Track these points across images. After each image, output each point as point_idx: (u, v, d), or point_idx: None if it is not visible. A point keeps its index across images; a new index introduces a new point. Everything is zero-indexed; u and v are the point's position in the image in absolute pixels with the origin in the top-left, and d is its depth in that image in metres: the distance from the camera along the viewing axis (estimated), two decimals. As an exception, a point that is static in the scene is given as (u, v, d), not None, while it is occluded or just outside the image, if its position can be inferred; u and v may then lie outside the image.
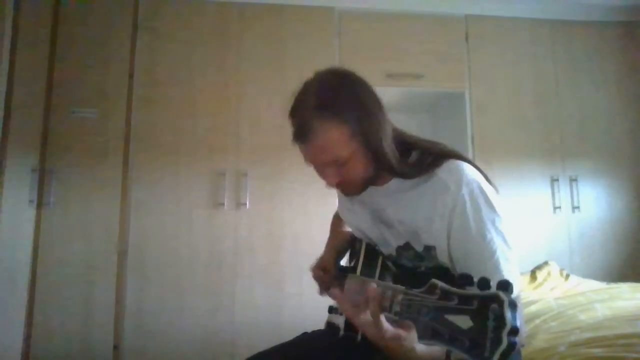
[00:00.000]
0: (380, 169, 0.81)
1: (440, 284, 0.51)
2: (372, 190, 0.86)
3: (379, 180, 0.84)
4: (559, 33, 2.34)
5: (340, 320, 0.85)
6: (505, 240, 0.73)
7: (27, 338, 1.76)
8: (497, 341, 0.42)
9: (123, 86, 1.98)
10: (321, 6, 2.15)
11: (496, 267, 0.71)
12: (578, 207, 2.22)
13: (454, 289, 0.49)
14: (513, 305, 0.43)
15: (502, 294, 0.44)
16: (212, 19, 2.09)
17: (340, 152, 0.75)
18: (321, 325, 0.97)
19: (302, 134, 0.76)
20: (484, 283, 0.46)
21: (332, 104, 0.74)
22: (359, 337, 0.77)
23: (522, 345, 0.77)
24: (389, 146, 0.78)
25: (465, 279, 0.49)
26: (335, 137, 0.74)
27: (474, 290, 0.47)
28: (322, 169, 0.81)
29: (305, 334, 0.98)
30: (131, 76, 2.00)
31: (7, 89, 1.58)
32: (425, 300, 0.52)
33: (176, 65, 2.04)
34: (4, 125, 1.57)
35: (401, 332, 0.58)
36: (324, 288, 0.97)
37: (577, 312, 1.32)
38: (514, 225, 2.12)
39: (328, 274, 0.97)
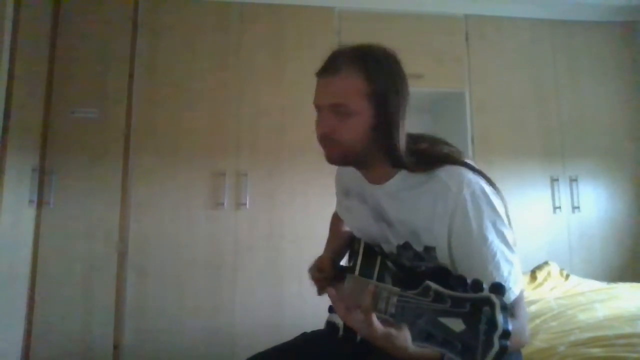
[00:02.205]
0: (384, 153, 0.79)
1: (434, 286, 0.51)
2: (372, 188, 0.86)
3: (381, 179, 0.84)
4: (559, 33, 2.34)
5: (339, 320, 0.85)
6: (506, 242, 0.73)
7: (27, 337, 1.77)
8: (489, 345, 0.42)
9: (123, 86, 1.98)
10: (321, 6, 2.15)
11: (497, 268, 0.71)
12: (578, 207, 2.22)
13: (447, 292, 0.49)
14: (505, 308, 0.44)
15: (494, 297, 0.44)
16: (212, 19, 2.09)
17: (347, 101, 0.75)
18: (321, 325, 0.97)
19: (325, 68, 0.79)
20: (477, 285, 0.46)
21: (366, 60, 0.77)
22: (359, 337, 0.77)
23: (524, 344, 0.76)
24: (401, 133, 0.78)
25: (459, 281, 0.49)
26: (352, 84, 0.76)
27: (467, 293, 0.47)
28: (321, 113, 0.80)
29: (304, 334, 0.98)
30: (131, 76, 2.00)
31: (7, 89, 1.58)
32: (420, 302, 0.52)
33: (176, 65, 2.04)
34: (4, 125, 1.58)
35: (392, 331, 0.59)
36: (321, 288, 0.97)
37: (577, 312, 1.32)
38: (514, 226, 2.12)
39: (324, 275, 0.97)
